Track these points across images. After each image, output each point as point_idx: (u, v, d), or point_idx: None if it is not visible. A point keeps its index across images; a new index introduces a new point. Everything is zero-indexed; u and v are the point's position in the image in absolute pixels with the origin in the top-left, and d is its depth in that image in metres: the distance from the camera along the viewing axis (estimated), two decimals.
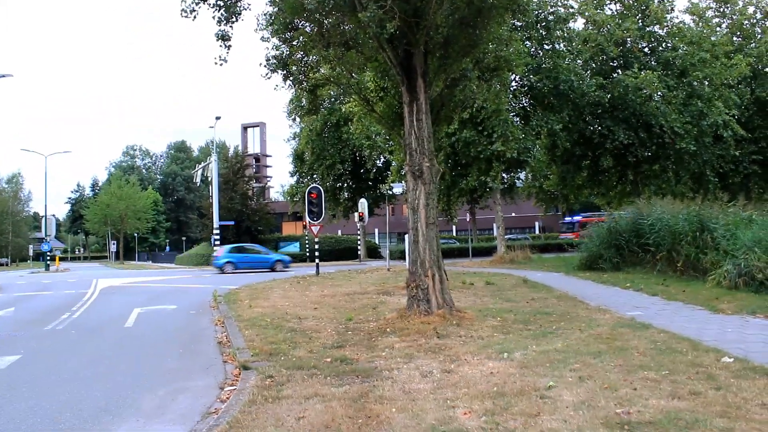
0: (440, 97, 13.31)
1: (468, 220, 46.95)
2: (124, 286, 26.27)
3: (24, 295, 22.98)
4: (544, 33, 30.52)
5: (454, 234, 68.09)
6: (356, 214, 36.90)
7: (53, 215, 68.81)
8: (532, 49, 30.15)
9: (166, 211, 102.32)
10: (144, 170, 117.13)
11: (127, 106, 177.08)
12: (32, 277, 41.32)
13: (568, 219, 58.96)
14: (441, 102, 13.44)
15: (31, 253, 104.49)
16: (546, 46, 31.25)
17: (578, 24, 34.22)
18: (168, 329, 12.78)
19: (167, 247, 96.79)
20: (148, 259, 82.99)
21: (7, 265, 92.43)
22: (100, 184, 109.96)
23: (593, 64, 33.81)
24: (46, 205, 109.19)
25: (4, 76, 38.54)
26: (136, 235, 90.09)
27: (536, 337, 9.01)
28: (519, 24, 27.00)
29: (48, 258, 60.14)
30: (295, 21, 13.81)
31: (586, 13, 33.12)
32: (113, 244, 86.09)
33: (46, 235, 59.89)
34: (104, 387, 7.72)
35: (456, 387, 6.43)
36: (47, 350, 10.57)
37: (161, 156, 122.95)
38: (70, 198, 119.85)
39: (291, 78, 16.04)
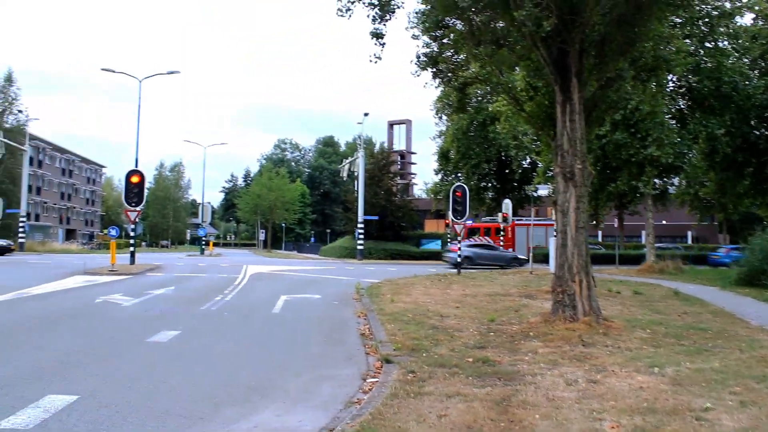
0: (593, 97, 12.87)
1: (615, 225, 45.23)
2: (272, 273, 27.44)
3: (182, 275, 24.53)
4: (706, 30, 28.62)
5: (600, 239, 65.79)
6: (500, 214, 36.55)
7: (209, 203, 72.92)
8: (692, 48, 28.47)
9: (312, 203, 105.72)
10: (293, 163, 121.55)
11: (280, 101, 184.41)
12: (189, 259, 44.07)
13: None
14: (594, 102, 13.00)
15: (188, 237, 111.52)
16: (708, 44, 29.36)
17: (746, 19, 31.92)
18: (312, 317, 13.20)
19: (312, 239, 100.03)
20: (294, 249, 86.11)
21: (167, 247, 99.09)
22: (252, 175, 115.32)
23: (762, 63, 31.45)
24: (203, 193, 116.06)
25: (172, 72, 41.19)
26: (283, 225, 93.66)
27: (690, 354, 8.51)
28: (678, 21, 25.64)
29: (203, 242, 63.92)
30: (446, 19, 13.83)
31: (756, 7, 30.77)
32: (262, 232, 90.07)
33: (202, 221, 63.63)
34: (254, 367, 8.10)
35: (602, 398, 6.19)
36: (203, 329, 11.23)
37: (310, 150, 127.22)
38: (224, 187, 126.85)
39: (440, 76, 16.08)
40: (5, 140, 50.20)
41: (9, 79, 60.38)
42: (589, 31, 11.04)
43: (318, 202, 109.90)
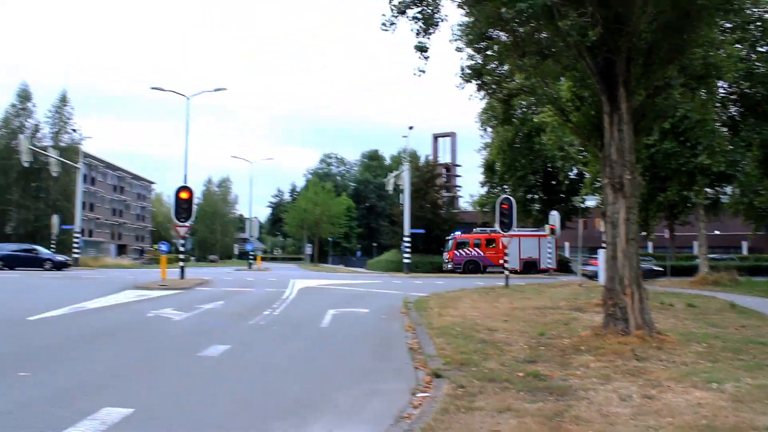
0: (641, 106, 12.67)
1: (666, 236, 44.34)
2: (319, 287, 27.58)
3: (231, 290, 24.83)
4: (758, 34, 27.91)
5: (650, 251, 64.51)
6: (547, 226, 36.21)
7: (256, 217, 73.93)
8: (744, 53, 27.79)
9: (358, 217, 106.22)
10: (338, 177, 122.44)
11: (324, 116, 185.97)
12: (237, 273, 44.62)
13: (450, 236, 52.83)
14: (642, 111, 12.78)
15: (236, 251, 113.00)
16: (760, 49, 28.62)
17: None
18: (360, 331, 13.22)
19: (358, 252, 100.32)
20: (340, 262, 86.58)
21: (215, 261, 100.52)
22: (298, 189, 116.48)
23: None
24: (250, 208, 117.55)
25: (218, 89, 41.93)
26: (329, 239, 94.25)
27: (750, 369, 8.24)
28: (729, 25, 25.05)
29: (251, 257, 64.67)
30: (490, 31, 13.79)
31: None
32: (308, 246, 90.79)
33: (249, 236, 64.50)
34: (303, 381, 8.14)
35: (659, 414, 6.04)
36: (253, 343, 11.34)
37: (355, 164, 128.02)
38: (271, 202, 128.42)
39: (485, 88, 16.03)
40: (61, 159, 51.65)
41: (63, 100, 62.23)
42: (636, 39, 10.89)
43: (364, 215, 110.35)
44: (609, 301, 10.65)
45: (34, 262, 42.12)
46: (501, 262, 44.73)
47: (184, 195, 27.25)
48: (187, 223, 27.25)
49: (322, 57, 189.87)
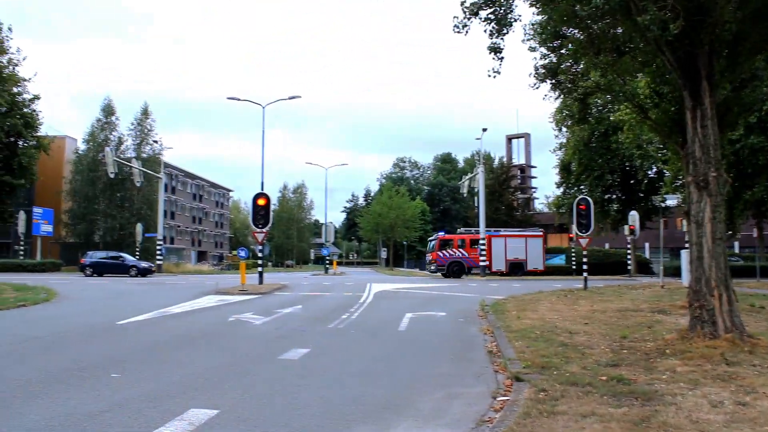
0: (726, 100, 12.23)
1: (754, 236, 42.59)
2: (396, 291, 27.68)
3: (309, 294, 25.18)
4: None
5: (737, 251, 62.08)
6: (626, 227, 35.31)
7: (331, 222, 74.85)
8: None
9: (432, 220, 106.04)
10: (412, 181, 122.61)
11: (398, 119, 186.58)
12: (314, 278, 45.20)
13: (432, 237, 51.50)
14: (726, 106, 12.35)
15: (312, 256, 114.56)
16: None
17: None
18: (438, 335, 13.20)
19: None
20: (416, 266, 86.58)
21: (292, 266, 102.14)
22: (372, 194, 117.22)
23: None
24: (326, 213, 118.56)
25: (293, 97, 42.64)
26: (404, 242, 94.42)
27: None
28: None
29: (327, 261, 65.41)
30: (564, 29, 13.57)
31: None
32: (384, 250, 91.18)
33: (325, 241, 65.21)
34: (384, 385, 8.18)
35: (755, 423, 5.78)
36: (332, 346, 11.46)
37: (428, 167, 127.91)
38: (345, 207, 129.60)
39: (560, 87, 15.78)
40: (143, 169, 53.55)
41: (145, 112, 64.54)
42: (720, 30, 10.50)
43: (438, 219, 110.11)
44: (695, 303, 10.30)
45: (120, 269, 43.89)
46: (486, 263, 44.22)
47: (261, 202, 27.80)
48: (264, 229, 27.79)
49: (323, 57, 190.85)
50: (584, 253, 28.68)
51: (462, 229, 50.34)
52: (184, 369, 9.04)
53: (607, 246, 57.64)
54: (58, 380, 8.10)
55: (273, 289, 27.47)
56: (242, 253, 29.37)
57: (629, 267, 47.54)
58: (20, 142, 55.96)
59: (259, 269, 31.10)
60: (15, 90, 54.60)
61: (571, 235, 49.52)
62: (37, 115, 56.58)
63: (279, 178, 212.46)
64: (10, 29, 55.26)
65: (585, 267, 28.04)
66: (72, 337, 12.67)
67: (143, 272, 43.76)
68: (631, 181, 48.45)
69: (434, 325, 14.97)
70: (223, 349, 11.08)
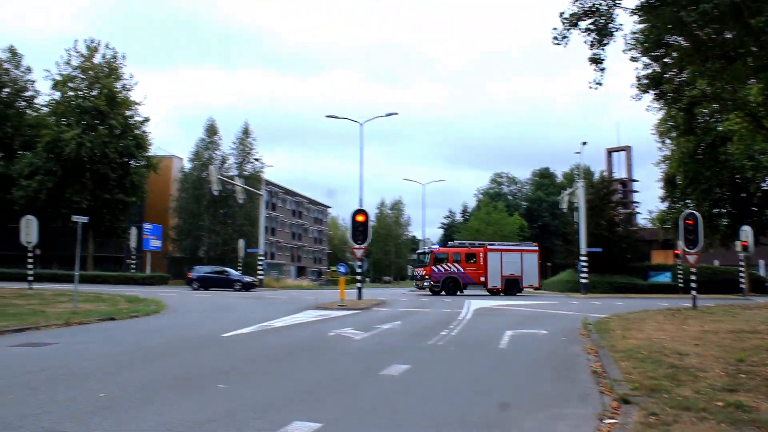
0: None
1: None
2: (495, 308, 27.33)
3: (407, 310, 25.20)
4: None
5: None
6: (738, 243, 33.57)
7: (429, 239, 74.73)
8: None
9: (531, 236, 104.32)
10: (510, 197, 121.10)
11: (495, 134, 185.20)
12: (411, 294, 45.20)
13: (421, 250, 46.87)
14: None
15: (409, 272, 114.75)
16: None
17: None
18: (540, 353, 12.93)
19: None
20: None
21: (390, 282, 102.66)
22: (469, 210, 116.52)
23: None
24: (423, 229, 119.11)
25: (390, 114, 43.00)
26: None
27: None
28: None
29: None
30: (667, 36, 13.16)
31: None
32: None
33: None
34: (486, 403, 8.06)
35: None
36: (432, 363, 11.41)
37: (526, 182, 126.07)
38: (442, 223, 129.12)
39: (664, 97, 15.27)
40: (245, 187, 55.30)
41: (246, 131, 66.73)
42: None
43: (537, 234, 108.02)
44: None
45: (225, 283, 45.39)
46: (482, 279, 41.40)
47: (360, 218, 28.12)
48: (363, 245, 28.09)
49: (484, 77, 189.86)
50: (692, 270, 27.45)
51: (455, 242, 48.29)
52: (287, 382, 9.21)
53: (716, 263, 54.87)
54: (169, 388, 8.43)
55: (372, 304, 27.65)
56: (342, 269, 29.72)
57: (742, 285, 45.11)
58: (132, 162, 59.10)
59: (358, 285, 31.39)
60: (128, 113, 57.75)
61: (677, 252, 47.55)
62: (147, 136, 59.73)
63: (376, 194, 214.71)
64: (123, 57, 58.63)
65: (693, 285, 26.83)
66: (181, 347, 13.17)
67: (247, 287, 45.09)
68: (742, 195, 46.15)
69: (535, 343, 14.68)
70: (325, 364, 11.22)
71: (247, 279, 46.86)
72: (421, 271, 42.51)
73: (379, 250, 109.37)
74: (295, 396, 8.17)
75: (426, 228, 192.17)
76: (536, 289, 43.67)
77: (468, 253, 42.08)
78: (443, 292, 40.29)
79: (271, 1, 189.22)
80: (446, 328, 17.49)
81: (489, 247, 43.35)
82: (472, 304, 28.62)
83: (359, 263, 31.53)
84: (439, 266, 41.11)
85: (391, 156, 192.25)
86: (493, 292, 41.48)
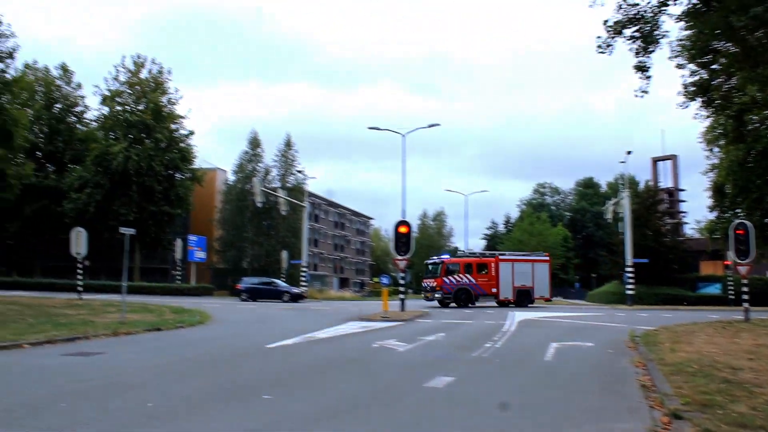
0: None
1: None
2: (539, 320, 27.03)
3: (451, 322, 25.04)
4: None
5: None
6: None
7: (471, 250, 74.21)
8: None
9: (575, 247, 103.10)
10: (553, 207, 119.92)
11: (537, 144, 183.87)
12: (453, 306, 45.01)
13: (431, 260, 43.44)
14: None
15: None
16: None
17: None
18: (586, 366, 12.71)
19: (576, 284, 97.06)
20: (558, 294, 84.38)
21: None
22: (512, 220, 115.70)
23: None
24: (466, 240, 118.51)
25: (432, 125, 42.93)
26: None
27: None
28: None
29: None
30: (715, 43, 12.92)
31: None
32: None
33: None
34: (533, 416, 7.94)
35: None
36: (477, 375, 11.30)
37: (570, 192, 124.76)
38: (485, 234, 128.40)
39: (711, 104, 14.97)
40: (288, 198, 55.79)
41: (288, 144, 67.42)
42: None
43: (581, 245, 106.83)
44: None
45: (273, 294, 45.89)
46: (494, 290, 39.64)
47: (403, 229, 28.13)
48: (406, 257, 28.06)
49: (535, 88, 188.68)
50: (744, 281, 26.77)
51: (464, 251, 46.74)
52: (331, 393, 9.21)
53: None
54: (215, 399, 8.49)
55: (415, 316, 27.57)
56: (385, 280, 29.78)
57: None
58: (177, 175, 60.21)
59: (401, 296, 31.35)
60: (173, 127, 58.94)
61: (726, 262, 46.45)
62: (192, 149, 60.84)
63: (418, 206, 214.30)
64: (169, 71, 59.93)
65: (745, 297, 26.15)
66: (225, 358, 13.29)
67: (295, 298, 45.54)
68: None
69: (581, 355, 14.43)
70: (369, 375, 11.20)
71: (296, 290, 47.33)
72: (431, 283, 40.38)
73: (422, 261, 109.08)
74: (340, 408, 8.16)
75: (469, 239, 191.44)
76: (546, 300, 42.35)
77: (480, 264, 40.54)
78: (454, 304, 38.30)
79: (310, 15, 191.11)
80: (490, 340, 17.32)
81: (500, 257, 42.02)
82: (516, 316, 28.35)
83: (402, 274, 31.50)
84: (450, 277, 39.07)
85: (433, 167, 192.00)
86: (504, 304, 39.82)
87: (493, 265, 40.34)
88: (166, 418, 7.29)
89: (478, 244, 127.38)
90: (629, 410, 8.28)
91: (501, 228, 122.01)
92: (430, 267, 41.89)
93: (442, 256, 41.41)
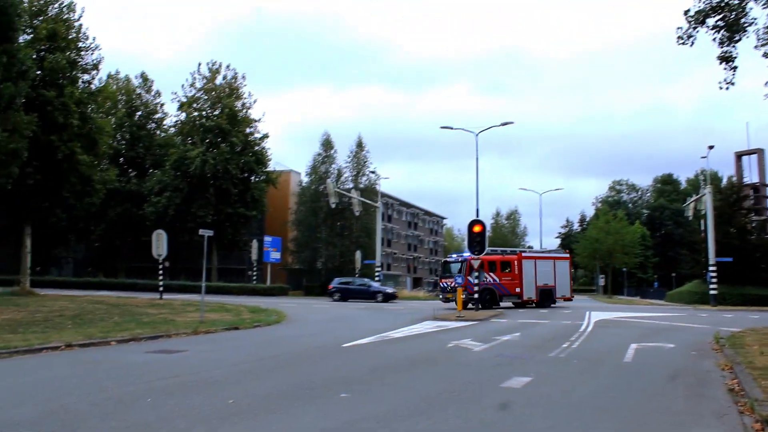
0: None
1: None
2: (617, 320, 26.41)
3: (526, 322, 24.72)
4: None
5: None
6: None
7: (546, 249, 73.10)
8: None
9: (653, 245, 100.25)
10: (630, 204, 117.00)
11: (612, 141, 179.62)
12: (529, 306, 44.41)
13: (450, 257, 38.89)
14: None
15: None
16: None
17: None
18: (669, 368, 12.29)
19: (655, 283, 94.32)
20: (636, 294, 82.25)
21: None
22: (587, 219, 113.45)
23: None
24: (540, 240, 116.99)
25: (505, 123, 42.44)
26: (623, 269, 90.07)
27: None
28: None
29: None
30: None
31: None
32: (601, 278, 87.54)
33: None
34: (613, 420, 7.73)
35: None
36: (554, 376, 11.09)
37: (647, 189, 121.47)
38: (559, 233, 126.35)
39: None
40: (362, 199, 56.13)
41: (360, 145, 67.74)
42: None
43: (659, 244, 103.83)
44: None
45: (366, 295, 46.38)
46: (517, 290, 36.29)
47: (477, 228, 27.93)
48: (480, 256, 27.80)
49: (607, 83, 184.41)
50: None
51: (490, 249, 40.63)
52: (407, 392, 9.20)
53: None
54: (293, 397, 8.60)
55: (489, 315, 27.35)
56: (459, 280, 29.49)
57: None
58: (252, 177, 61.44)
59: (475, 296, 31.12)
60: (248, 130, 60.22)
61: None
62: (266, 152, 61.96)
63: (490, 205, 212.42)
64: (243, 77, 61.25)
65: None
66: (302, 356, 13.48)
67: (388, 297, 45.84)
68: None
69: (663, 357, 13.99)
70: (444, 375, 11.15)
71: (389, 290, 47.77)
72: (450, 283, 34.65)
73: None
74: (417, 407, 8.14)
75: (543, 238, 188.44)
76: (566, 299, 39.17)
77: (503, 262, 37.34)
78: (472, 306, 32.21)
79: (381, 18, 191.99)
80: (567, 340, 17.01)
81: (524, 254, 39.23)
82: (593, 316, 27.77)
83: (476, 274, 31.21)
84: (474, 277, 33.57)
85: (504, 166, 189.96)
86: (525, 305, 36.64)
87: (516, 263, 37.17)
88: (247, 414, 7.44)
89: (552, 243, 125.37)
90: (716, 415, 7.98)
91: (576, 227, 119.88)
92: (450, 266, 37.46)
93: (464, 254, 36.16)
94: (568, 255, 41.94)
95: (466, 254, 33.50)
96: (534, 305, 36.55)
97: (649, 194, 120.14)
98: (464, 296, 30.76)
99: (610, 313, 32.33)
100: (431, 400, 8.64)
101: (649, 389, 10.03)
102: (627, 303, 55.51)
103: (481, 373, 11.30)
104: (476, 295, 31.13)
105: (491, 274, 35.75)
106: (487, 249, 35.89)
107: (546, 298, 37.31)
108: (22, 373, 10.69)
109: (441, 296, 37.23)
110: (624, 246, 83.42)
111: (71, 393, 8.70)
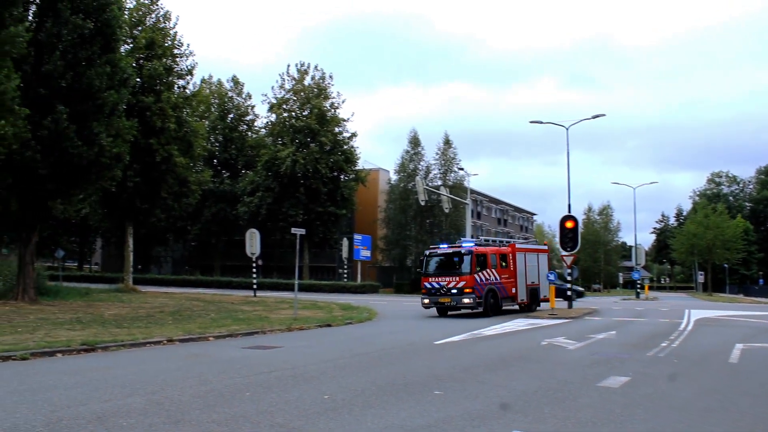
0: None
1: None
2: (719, 319, 25.33)
3: (621, 320, 24.04)
4: None
5: None
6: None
7: (641, 245, 70.92)
8: None
9: (757, 240, 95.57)
10: (731, 198, 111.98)
11: (708, 132, 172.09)
12: (624, 303, 43.17)
13: (442, 247, 27.87)
14: None
15: (620, 280, 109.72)
16: None
17: None
18: None
19: (760, 280, 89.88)
20: (739, 291, 78.69)
21: (599, 290, 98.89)
22: (684, 213, 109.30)
23: None
24: (635, 235, 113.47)
25: (597, 116, 41.35)
26: (724, 266, 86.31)
27: None
28: None
29: (638, 286, 62.18)
30: None
31: None
32: (700, 274, 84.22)
33: (635, 264, 61.99)
34: (719, 423, 7.39)
35: None
36: (654, 376, 10.70)
37: (750, 181, 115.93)
38: (654, 228, 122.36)
39: None
40: (451, 196, 55.89)
41: (447, 142, 67.42)
42: None
43: (764, 239, 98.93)
44: None
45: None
46: (513, 291, 27.70)
47: (569, 224, 27.37)
48: (573, 252, 27.24)
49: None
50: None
51: (483, 239, 34.74)
52: (502, 390, 9.08)
53: None
54: (387, 393, 8.64)
55: (583, 313, 26.74)
56: (551, 277, 28.75)
57: None
58: (342, 176, 62.18)
59: (569, 293, 30.49)
60: (336, 130, 61.00)
61: None
62: (355, 150, 62.56)
63: (581, 200, 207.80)
64: (331, 77, 62.10)
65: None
66: (394, 353, 13.52)
67: (580, 294, 45.37)
68: None
69: None
70: (538, 373, 10.95)
71: (578, 288, 46.02)
72: (453, 281, 25.70)
73: (588, 257, 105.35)
74: (512, 405, 8.01)
75: (638, 233, 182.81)
76: (544, 300, 29.63)
77: (502, 255, 27.88)
78: (482, 311, 25.94)
79: (461, 15, 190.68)
80: (666, 339, 16.42)
81: (517, 246, 30.34)
82: (693, 314, 26.73)
83: (569, 271, 30.59)
84: (481, 274, 25.93)
85: (595, 161, 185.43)
86: (522, 308, 28.65)
87: (510, 256, 28.33)
88: (343, 409, 7.52)
89: (647, 239, 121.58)
90: None
91: (672, 221, 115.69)
92: (443, 258, 27.37)
93: (465, 244, 27.90)
94: (546, 247, 33.76)
95: (470, 244, 27.55)
96: (519, 308, 28.71)
97: (751, 186, 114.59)
98: (470, 300, 25.30)
99: (712, 311, 31.05)
100: (527, 398, 8.49)
101: (757, 392, 9.57)
102: (729, 301, 53.18)
103: (577, 372, 11.02)
104: (569, 291, 30.38)
105: (493, 270, 26.67)
106: (481, 239, 32.61)
107: (533, 299, 29.41)
108: (129, 366, 11.16)
109: (428, 300, 26.58)
110: (725, 241, 79.88)
111: (174, 385, 9.03)
